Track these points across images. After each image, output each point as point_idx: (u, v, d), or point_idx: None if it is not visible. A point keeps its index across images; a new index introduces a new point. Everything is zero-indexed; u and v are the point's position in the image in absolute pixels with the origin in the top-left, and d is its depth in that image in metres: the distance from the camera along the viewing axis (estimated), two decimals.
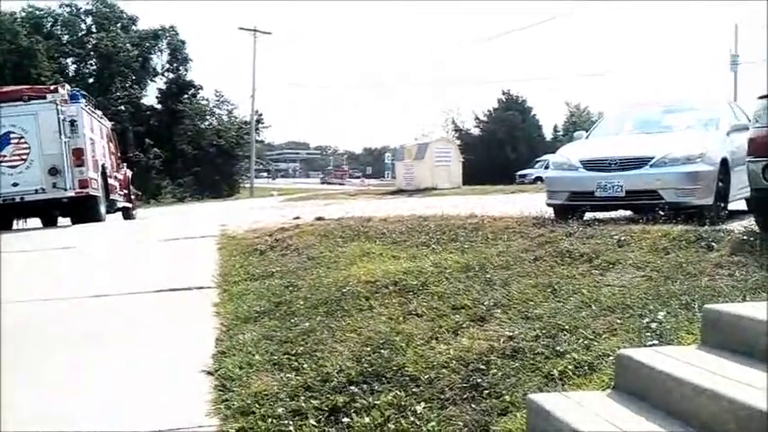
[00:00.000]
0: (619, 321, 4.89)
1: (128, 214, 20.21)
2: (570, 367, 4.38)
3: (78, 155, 15.08)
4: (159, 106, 57.39)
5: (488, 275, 6.50)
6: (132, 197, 21.49)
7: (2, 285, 7.97)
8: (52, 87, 15.78)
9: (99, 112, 18.75)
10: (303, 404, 4.65)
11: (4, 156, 14.84)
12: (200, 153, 55.68)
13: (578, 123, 59.28)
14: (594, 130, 11.31)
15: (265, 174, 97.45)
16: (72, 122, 15.03)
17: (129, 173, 21.81)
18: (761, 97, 6.95)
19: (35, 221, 17.41)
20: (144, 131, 49.02)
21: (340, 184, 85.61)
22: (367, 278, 6.99)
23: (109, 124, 19.97)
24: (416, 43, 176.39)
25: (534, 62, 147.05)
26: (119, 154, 20.48)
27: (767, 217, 6.65)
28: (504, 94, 63.85)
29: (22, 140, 14.86)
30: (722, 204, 9.00)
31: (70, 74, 54.39)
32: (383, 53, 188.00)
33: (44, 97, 15.10)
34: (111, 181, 17.99)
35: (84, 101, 16.27)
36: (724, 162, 9.05)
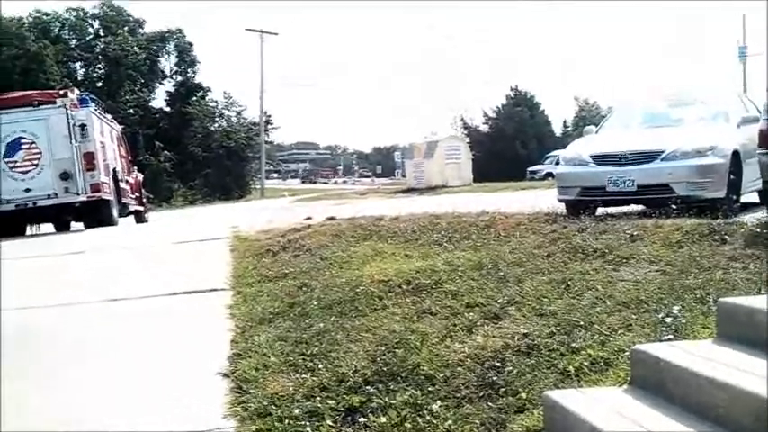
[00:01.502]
0: (634, 316, 4.88)
1: (140, 218, 20.25)
2: (586, 363, 4.38)
3: (89, 159, 15.10)
4: (168, 109, 57.44)
5: (501, 273, 6.49)
6: (144, 200, 21.55)
7: (17, 291, 8.08)
8: (62, 92, 15.78)
9: (109, 116, 18.79)
10: (319, 405, 4.69)
11: (16, 161, 14.89)
12: (210, 155, 55.73)
13: (588, 118, 59.10)
14: (604, 125, 11.27)
15: (275, 174, 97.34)
16: (82, 127, 15.05)
17: (141, 176, 21.88)
18: None
19: (48, 227, 17.48)
20: (153, 134, 49.19)
21: (325, 183, 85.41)
22: (380, 277, 7.00)
23: (119, 128, 20.02)
24: (425, 41, 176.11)
25: (542, 57, 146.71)
26: (129, 157, 20.53)
27: None
28: (512, 90, 64.02)
29: (33, 146, 14.91)
30: (734, 197, 8.97)
31: (79, 78, 54.36)
32: (392, 51, 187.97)
33: (54, 102, 15.12)
34: (122, 185, 18.02)
35: (93, 105, 16.28)
36: (735, 154, 9.00)
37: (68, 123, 14.91)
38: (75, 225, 17.13)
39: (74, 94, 15.50)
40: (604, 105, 69.86)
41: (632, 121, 11.03)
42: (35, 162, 14.93)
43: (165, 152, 50.77)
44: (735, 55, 54.00)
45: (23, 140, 14.89)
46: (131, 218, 19.81)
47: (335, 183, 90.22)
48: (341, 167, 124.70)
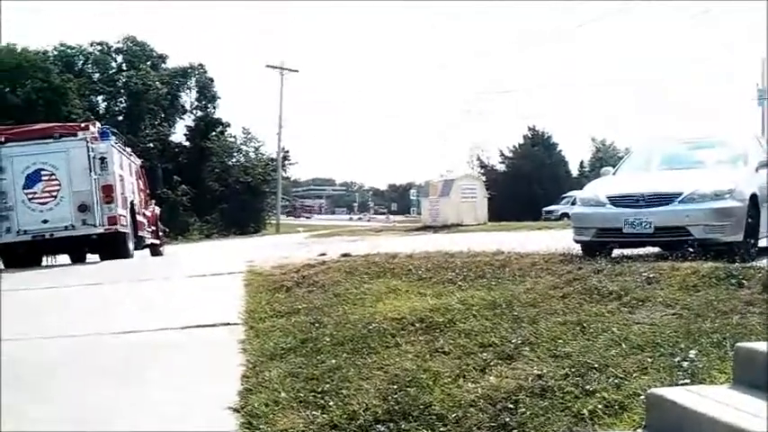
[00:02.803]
0: (649, 360, 4.85)
1: (155, 251, 20.32)
2: (600, 406, 4.35)
3: (108, 192, 15.20)
4: (187, 143, 58.11)
5: (516, 313, 6.47)
6: (160, 234, 21.65)
7: (31, 321, 8.12)
8: (83, 125, 15.95)
9: (128, 150, 18.97)
10: None
11: (35, 192, 15.02)
12: (227, 190, 56.20)
13: (604, 159, 59.14)
14: (622, 166, 11.25)
15: (291, 210, 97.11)
16: (102, 159, 15.17)
17: (158, 210, 22.02)
18: None
19: (64, 258, 17.56)
20: (172, 168, 49.71)
21: (307, 217, 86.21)
22: (393, 315, 7.00)
23: (138, 161, 20.19)
24: (443, 80, 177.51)
25: (559, 98, 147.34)
26: (147, 191, 20.71)
27: None
28: (529, 129, 64.29)
29: (53, 177, 15.04)
30: (752, 241, 8.91)
31: (100, 111, 55.13)
32: (409, 90, 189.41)
33: (75, 134, 15.28)
34: (139, 218, 18.13)
35: (114, 138, 16.45)
36: (753, 198, 8.95)
37: (89, 156, 15.05)
38: (90, 257, 17.24)
39: (95, 127, 15.67)
40: (621, 146, 70.04)
41: (650, 162, 10.99)
42: (54, 194, 15.05)
43: (183, 186, 51.20)
44: (753, 97, 53.96)
45: (43, 172, 15.03)
46: (147, 251, 19.90)
47: (351, 219, 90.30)
48: (356, 204, 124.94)
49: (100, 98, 58.54)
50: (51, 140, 15.14)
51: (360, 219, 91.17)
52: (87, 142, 15.09)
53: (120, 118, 54.06)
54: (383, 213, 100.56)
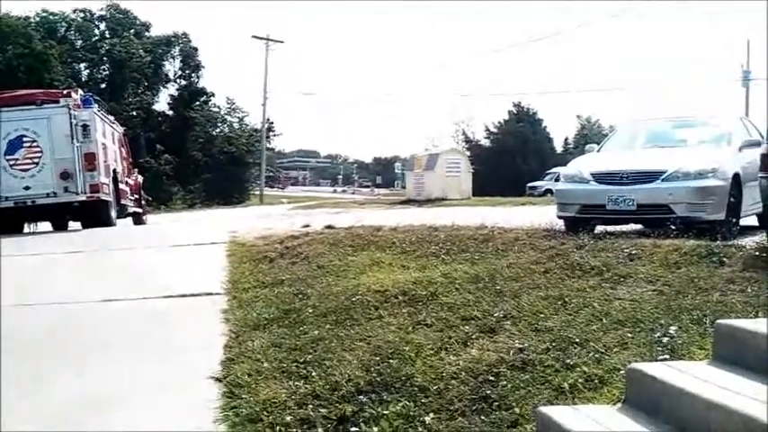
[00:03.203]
0: (629, 335, 4.92)
1: (138, 219, 20.26)
2: (580, 380, 4.42)
3: (90, 159, 15.10)
4: (171, 113, 57.64)
5: (498, 287, 6.54)
6: (143, 202, 21.59)
7: (15, 289, 8.11)
8: (65, 92, 15.79)
9: (111, 118, 18.82)
10: (311, 413, 4.70)
11: (17, 159, 14.89)
12: (211, 160, 55.94)
13: (589, 136, 59.39)
14: (606, 144, 11.32)
15: (275, 182, 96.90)
16: (84, 127, 15.05)
17: (141, 178, 21.92)
18: None
19: (46, 225, 17.49)
20: (155, 137, 49.26)
21: (281, 188, 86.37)
22: (376, 287, 7.06)
23: (121, 129, 20.05)
24: (428, 54, 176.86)
25: (545, 75, 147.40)
26: (130, 159, 20.60)
27: None
28: (515, 106, 64.27)
29: (35, 144, 14.91)
30: (734, 219, 9.02)
31: (83, 79, 54.65)
32: (394, 63, 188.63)
33: (57, 101, 15.12)
34: (122, 186, 18.05)
35: (96, 106, 16.31)
36: (736, 177, 9.05)
37: (71, 123, 14.92)
38: (72, 224, 17.18)
39: (77, 95, 15.51)
40: (606, 124, 70.35)
41: (634, 140, 11.09)
42: (36, 160, 14.93)
43: (166, 155, 50.91)
44: (738, 78, 54.38)
45: (25, 138, 14.89)
46: (129, 219, 19.84)
47: (335, 191, 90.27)
48: (340, 176, 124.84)
49: (82, 65, 57.93)
50: (33, 107, 14.99)
51: (344, 191, 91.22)
52: (69, 109, 14.94)
53: (103, 86, 53.62)
54: (367, 186, 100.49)
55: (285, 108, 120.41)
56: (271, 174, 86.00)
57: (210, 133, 58.36)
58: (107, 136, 17.13)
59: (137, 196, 20.60)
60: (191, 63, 59.84)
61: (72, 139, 14.96)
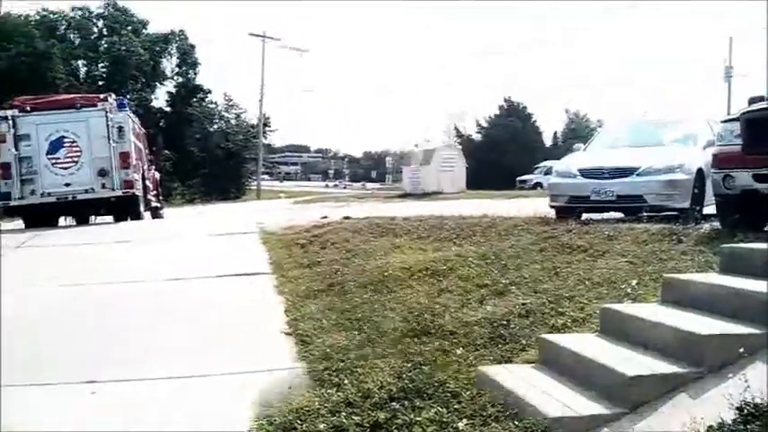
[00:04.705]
0: (605, 292, 6.45)
1: (156, 213, 21.44)
2: (569, 322, 5.95)
3: (125, 158, 16.55)
4: (169, 109, 58.59)
5: (503, 262, 8.03)
6: (160, 197, 22.91)
7: (92, 270, 9.55)
8: (102, 96, 17.24)
9: (136, 118, 20.16)
10: (369, 352, 6.09)
11: (58, 158, 16.31)
12: (209, 155, 56.72)
13: (578, 130, 60.68)
14: (591, 143, 12.88)
15: (267, 177, 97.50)
16: (120, 128, 16.49)
17: (158, 175, 23.22)
18: (723, 121, 8.52)
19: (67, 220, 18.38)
20: (154, 134, 50.10)
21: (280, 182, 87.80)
22: (402, 266, 8.47)
23: (143, 129, 21.36)
24: (419, 49, 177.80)
25: (535, 71, 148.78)
26: (151, 156, 21.92)
27: (727, 216, 8.17)
28: (505, 101, 65.47)
29: (75, 144, 16.33)
30: (697, 208, 10.45)
31: (81, 76, 55.40)
32: (386, 59, 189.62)
33: (95, 105, 16.60)
34: (147, 182, 19.43)
35: (129, 109, 17.72)
36: (699, 172, 10.47)
37: (107, 125, 16.36)
38: (93, 219, 18.32)
39: (113, 99, 16.95)
40: (594, 118, 71.61)
41: (615, 140, 12.58)
42: (75, 159, 16.35)
43: (166, 151, 51.71)
44: (721, 75, 56.25)
45: (66, 139, 16.32)
46: (148, 213, 21.02)
47: (327, 186, 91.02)
48: (332, 171, 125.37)
49: (80, 63, 58.15)
50: (73, 110, 16.42)
51: (336, 186, 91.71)
52: (106, 112, 16.39)
53: (101, 83, 53.89)
54: (358, 181, 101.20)
55: (276, 103, 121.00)
56: (266, 169, 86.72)
57: (208, 129, 59.29)
58: (137, 136, 18.52)
59: (156, 191, 21.95)
60: (188, 60, 60.44)
61: (108, 139, 16.38)
